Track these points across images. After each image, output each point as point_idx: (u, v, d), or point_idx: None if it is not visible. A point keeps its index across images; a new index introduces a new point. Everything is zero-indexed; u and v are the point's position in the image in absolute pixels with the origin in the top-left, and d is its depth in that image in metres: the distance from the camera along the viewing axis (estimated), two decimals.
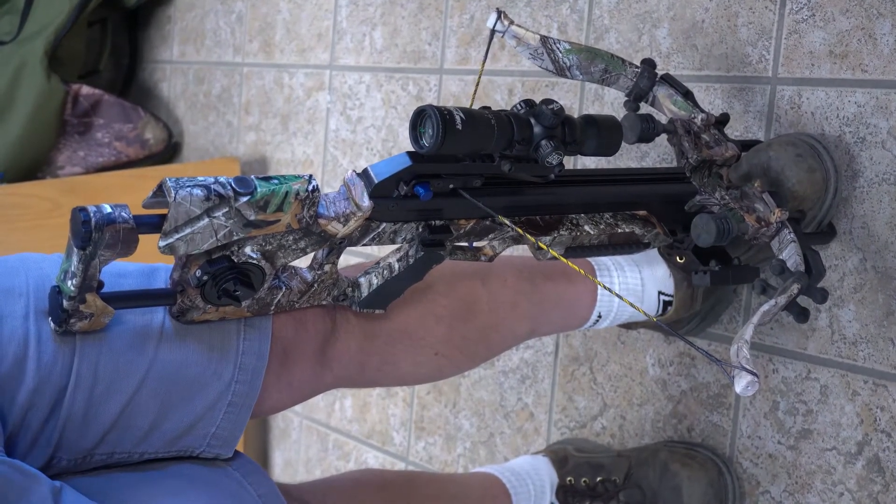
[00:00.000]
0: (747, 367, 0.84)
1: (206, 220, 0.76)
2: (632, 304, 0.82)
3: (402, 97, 1.60)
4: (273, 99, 1.85)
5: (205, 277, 0.80)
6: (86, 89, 1.97)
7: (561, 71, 0.99)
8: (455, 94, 1.51)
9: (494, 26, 0.96)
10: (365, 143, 1.66)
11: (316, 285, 0.90)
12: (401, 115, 1.60)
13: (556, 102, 0.86)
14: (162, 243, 0.76)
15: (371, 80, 1.65)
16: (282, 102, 1.83)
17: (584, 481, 1.23)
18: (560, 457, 1.26)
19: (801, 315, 0.93)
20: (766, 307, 0.90)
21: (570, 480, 1.23)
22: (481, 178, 0.88)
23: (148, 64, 2.19)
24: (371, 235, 0.87)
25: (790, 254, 0.96)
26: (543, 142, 0.85)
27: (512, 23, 0.96)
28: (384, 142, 1.63)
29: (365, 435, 1.68)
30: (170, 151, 2.06)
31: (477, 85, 0.96)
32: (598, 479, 1.22)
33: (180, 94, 2.09)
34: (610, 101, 1.30)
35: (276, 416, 1.85)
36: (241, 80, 1.93)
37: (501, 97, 1.44)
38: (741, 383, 0.83)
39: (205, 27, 2.03)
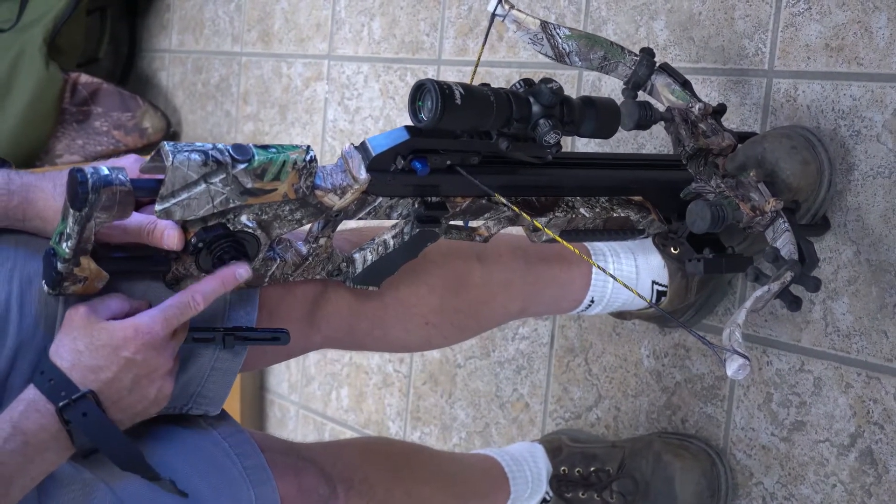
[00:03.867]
0: (739, 350, 0.84)
1: (203, 185, 0.76)
2: (626, 286, 0.82)
3: (400, 87, 1.60)
4: (271, 89, 1.85)
5: (200, 244, 0.80)
6: (84, 77, 1.97)
7: (560, 57, 0.99)
8: None
9: (495, 10, 0.96)
10: (363, 133, 1.67)
11: (310, 258, 0.90)
12: (398, 105, 1.60)
13: (556, 82, 0.86)
14: (158, 207, 0.76)
15: (369, 71, 1.66)
16: (280, 92, 1.83)
17: (578, 471, 1.23)
18: (554, 446, 1.26)
19: (794, 304, 0.94)
20: (759, 292, 0.90)
21: (563, 470, 1.24)
22: (479, 155, 0.88)
23: (147, 53, 2.20)
24: (367, 209, 0.87)
25: (784, 242, 0.96)
26: (542, 120, 0.85)
27: (512, 7, 0.97)
28: (382, 132, 1.63)
29: (361, 425, 1.68)
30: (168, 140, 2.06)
31: (475, 69, 0.96)
32: (592, 468, 1.22)
33: (179, 83, 2.10)
34: (607, 93, 1.31)
35: (273, 405, 1.85)
36: (240, 69, 1.93)
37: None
38: (732, 366, 0.83)
39: (203, 16, 2.03)
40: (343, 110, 1.71)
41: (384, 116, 1.63)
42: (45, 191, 0.83)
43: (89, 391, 0.78)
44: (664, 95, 1.02)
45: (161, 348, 0.80)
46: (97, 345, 0.79)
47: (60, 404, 0.77)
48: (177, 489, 0.83)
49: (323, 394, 1.75)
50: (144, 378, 0.80)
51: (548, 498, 1.24)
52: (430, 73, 1.55)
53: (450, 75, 1.52)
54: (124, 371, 0.79)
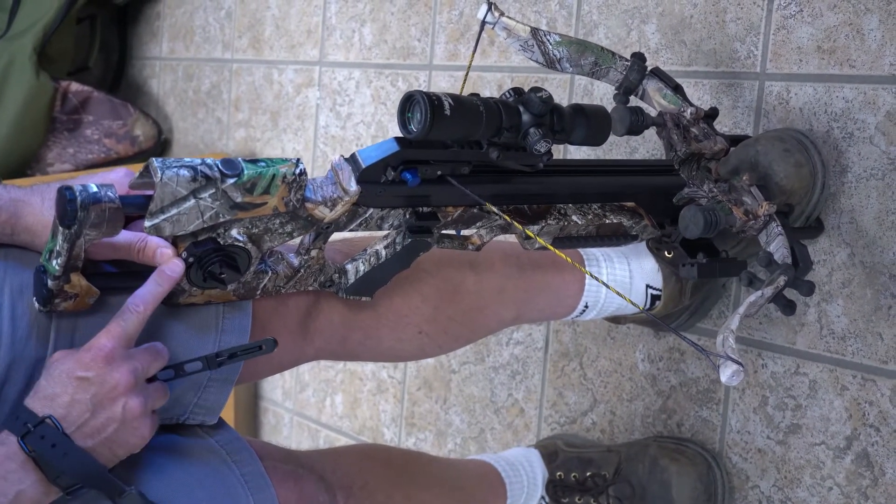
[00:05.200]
0: (732, 356, 0.84)
1: (193, 200, 0.76)
2: (619, 293, 0.82)
3: (392, 93, 1.60)
4: (262, 95, 1.85)
5: (190, 259, 0.80)
6: (75, 86, 1.97)
7: (551, 63, 0.99)
8: (444, 90, 1.51)
9: (485, 17, 0.96)
10: (354, 139, 1.66)
11: (302, 270, 0.90)
12: (390, 111, 1.60)
13: (545, 90, 0.86)
14: (148, 223, 0.76)
15: (360, 77, 1.65)
16: (271, 99, 1.83)
17: (574, 476, 1.22)
18: (550, 451, 1.26)
19: (788, 307, 0.93)
20: (752, 297, 0.90)
21: (559, 475, 1.23)
22: (469, 165, 0.88)
23: (137, 60, 2.19)
24: (358, 221, 0.87)
25: (778, 246, 0.96)
26: (532, 129, 0.85)
27: (503, 14, 0.96)
28: (374, 138, 1.63)
29: (356, 431, 1.67)
30: (159, 148, 2.05)
31: (466, 75, 0.96)
32: (588, 473, 1.22)
33: (170, 90, 2.09)
34: (599, 98, 1.30)
35: (267, 412, 1.85)
36: (231, 76, 1.93)
37: (490, 93, 1.44)
38: (726, 372, 0.83)
39: (194, 23, 2.03)
40: (335, 116, 1.70)
41: (376, 122, 1.63)
42: (34, 205, 0.83)
43: (48, 416, 0.77)
44: (656, 100, 1.01)
45: (114, 361, 0.79)
46: (54, 375, 0.78)
47: (22, 434, 0.76)
48: (147, 501, 0.81)
49: (317, 400, 1.74)
50: (105, 397, 0.78)
51: (544, 503, 1.24)
52: (422, 78, 1.55)
53: (441, 81, 1.52)
54: (80, 391, 0.78)
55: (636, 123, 0.97)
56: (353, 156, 0.84)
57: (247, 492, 0.91)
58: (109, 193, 0.74)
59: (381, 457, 1.17)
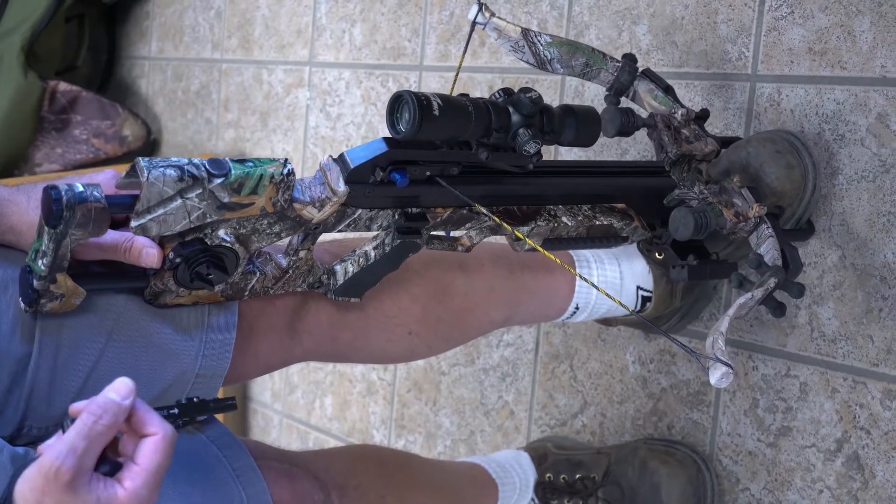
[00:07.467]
0: (722, 358, 0.83)
1: (180, 200, 0.76)
2: (609, 296, 0.81)
3: (382, 94, 1.59)
4: (252, 95, 1.84)
5: (177, 260, 0.79)
6: (63, 85, 1.96)
7: (542, 64, 0.98)
8: (435, 90, 1.51)
9: (475, 18, 0.96)
10: (345, 139, 1.66)
11: (291, 271, 0.89)
12: (381, 111, 1.60)
13: (535, 91, 0.86)
14: (134, 223, 0.75)
15: (351, 77, 1.65)
16: (261, 99, 1.82)
17: (563, 478, 1.22)
18: (539, 454, 1.26)
19: (778, 309, 0.93)
20: (742, 299, 0.90)
21: (548, 477, 1.23)
22: (459, 165, 0.88)
23: (126, 60, 2.18)
24: (347, 221, 0.87)
25: (768, 248, 0.96)
26: (521, 130, 0.84)
27: (493, 15, 0.96)
28: (364, 139, 1.62)
29: (345, 433, 1.67)
30: (148, 148, 2.05)
31: (456, 76, 0.95)
32: (577, 476, 1.21)
33: (159, 90, 2.08)
34: (590, 99, 1.30)
35: (256, 413, 1.84)
36: (220, 76, 1.92)
37: (481, 94, 1.44)
38: (716, 374, 0.83)
39: (183, 23, 2.02)
40: (325, 117, 1.70)
41: (366, 123, 1.62)
42: (20, 205, 0.82)
43: None
44: (647, 101, 1.01)
45: None
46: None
47: None
48: None
49: (306, 402, 1.74)
50: None
51: None
52: (412, 79, 1.55)
53: (432, 81, 1.52)
54: None
55: (626, 125, 0.97)
56: (341, 156, 0.84)
57: (238, 486, 0.91)
58: (95, 193, 0.73)
59: (375, 457, 1.17)
